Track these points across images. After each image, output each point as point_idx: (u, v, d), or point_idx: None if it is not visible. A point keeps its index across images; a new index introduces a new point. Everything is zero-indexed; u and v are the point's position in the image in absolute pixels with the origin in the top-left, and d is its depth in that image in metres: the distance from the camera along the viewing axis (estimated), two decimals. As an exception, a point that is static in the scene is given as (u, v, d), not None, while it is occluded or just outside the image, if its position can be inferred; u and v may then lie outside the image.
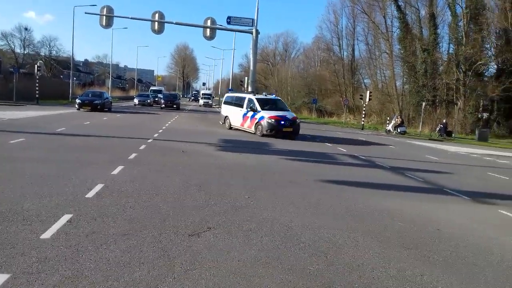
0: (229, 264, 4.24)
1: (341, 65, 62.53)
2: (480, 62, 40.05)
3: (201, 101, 65.06)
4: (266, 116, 19.17)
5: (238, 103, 21.61)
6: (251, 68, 33.79)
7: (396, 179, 10.82)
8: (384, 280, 4.18)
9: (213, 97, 74.71)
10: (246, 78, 38.58)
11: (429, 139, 29.61)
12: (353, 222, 6.25)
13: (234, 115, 21.73)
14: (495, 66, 42.80)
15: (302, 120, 47.89)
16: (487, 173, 13.71)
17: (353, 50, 61.94)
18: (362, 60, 60.95)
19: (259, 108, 19.71)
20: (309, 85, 70.46)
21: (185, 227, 5.29)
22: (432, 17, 44.88)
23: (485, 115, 39.78)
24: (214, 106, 64.39)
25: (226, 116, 22.80)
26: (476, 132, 33.00)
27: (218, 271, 4.04)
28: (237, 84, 66.19)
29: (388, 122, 34.26)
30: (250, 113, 20.11)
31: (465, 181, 11.59)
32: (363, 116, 37.45)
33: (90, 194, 6.45)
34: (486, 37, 42.93)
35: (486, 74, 43.26)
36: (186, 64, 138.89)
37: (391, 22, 50.82)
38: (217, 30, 32.44)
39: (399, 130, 31.92)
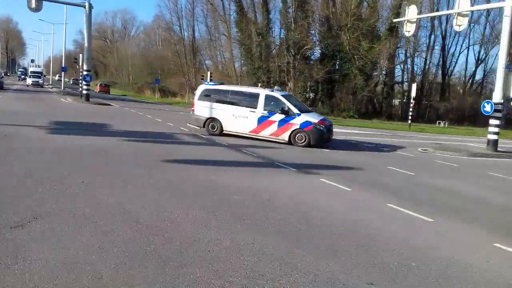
0: (58, 253, 3.99)
1: (183, 46, 62.55)
2: (307, 47, 44.27)
3: (29, 80, 53.32)
4: (314, 121, 15.05)
5: (242, 101, 16.14)
6: (86, 44, 31.58)
7: (234, 156, 11.45)
8: (218, 251, 4.43)
9: (44, 75, 67.16)
10: (81, 55, 35.75)
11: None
12: (192, 198, 6.45)
13: (236, 118, 15.88)
14: (319, 51, 47.87)
15: (144, 101, 46.84)
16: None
17: (193, 31, 62.47)
18: (202, 41, 61.94)
19: (295, 110, 15.15)
20: (151, 65, 68.92)
21: (6, 219, 4.77)
22: (265, 2, 47.71)
23: (312, 95, 44.32)
24: (46, 86, 58.18)
25: (212, 118, 16.17)
26: (305, 110, 36.54)
27: (45, 263, 3.77)
28: (71, 61, 60.98)
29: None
30: (279, 117, 15.15)
31: (293, 155, 12.82)
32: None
33: None
34: (312, 24, 47.53)
35: (312, 58, 48.11)
36: (10, 39, 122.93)
37: (229, 5, 52.61)
38: (44, 2, 29.26)
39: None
